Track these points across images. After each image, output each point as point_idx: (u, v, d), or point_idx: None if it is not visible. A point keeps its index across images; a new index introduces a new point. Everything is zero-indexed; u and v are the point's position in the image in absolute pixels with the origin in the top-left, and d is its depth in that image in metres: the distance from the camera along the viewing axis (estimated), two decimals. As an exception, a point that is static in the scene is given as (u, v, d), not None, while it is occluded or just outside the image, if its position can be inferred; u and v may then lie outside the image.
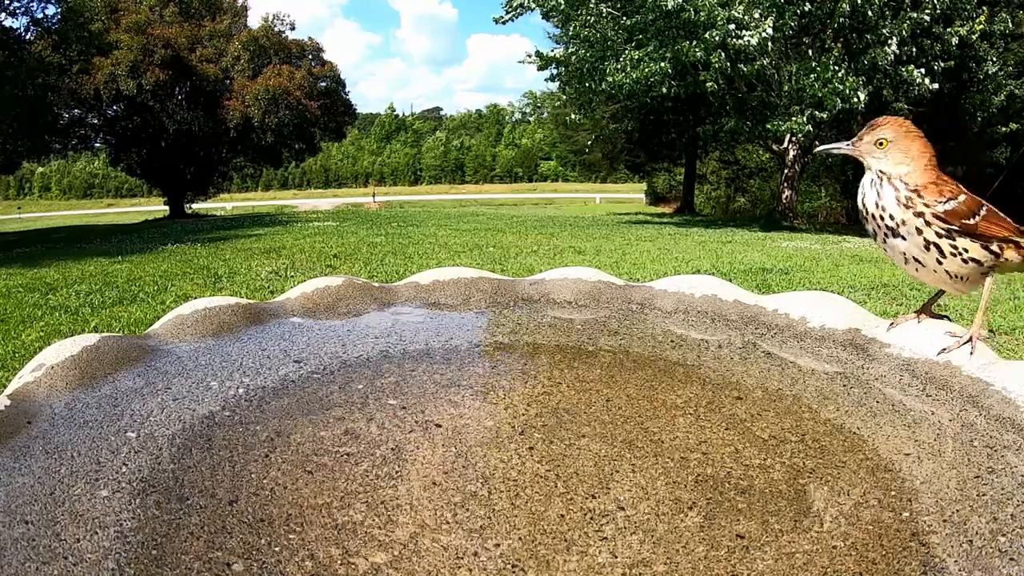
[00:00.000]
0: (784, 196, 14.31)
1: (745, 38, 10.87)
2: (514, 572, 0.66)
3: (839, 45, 11.60)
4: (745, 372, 1.15)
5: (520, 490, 0.79)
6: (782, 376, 1.13)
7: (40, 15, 15.99)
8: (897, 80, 11.65)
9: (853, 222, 17.19)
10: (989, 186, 14.79)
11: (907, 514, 0.75)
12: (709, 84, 11.67)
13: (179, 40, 20.78)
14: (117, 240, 11.49)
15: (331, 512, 0.74)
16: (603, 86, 12.62)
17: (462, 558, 0.67)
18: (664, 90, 12.15)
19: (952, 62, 11.99)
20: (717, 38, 11.04)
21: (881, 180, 1.20)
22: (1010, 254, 1.22)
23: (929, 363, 1.08)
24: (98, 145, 24.62)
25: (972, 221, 1.18)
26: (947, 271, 1.20)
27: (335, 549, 0.68)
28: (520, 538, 0.71)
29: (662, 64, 11.61)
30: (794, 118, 11.29)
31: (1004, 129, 13.36)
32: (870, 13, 11.33)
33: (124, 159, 23.71)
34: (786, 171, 14.20)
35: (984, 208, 1.20)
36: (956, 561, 0.67)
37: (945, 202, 1.17)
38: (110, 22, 20.14)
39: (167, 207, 24.40)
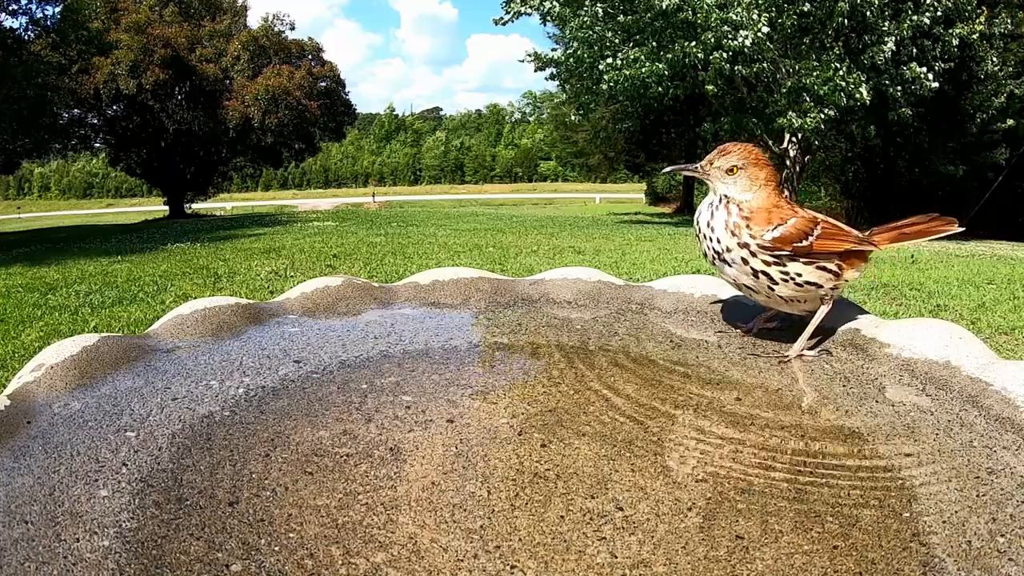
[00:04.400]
0: (784, 196, 14.29)
1: (740, 39, 10.89)
2: (513, 572, 0.66)
3: (840, 44, 11.61)
4: (745, 372, 1.15)
5: (520, 490, 0.79)
6: (782, 376, 1.13)
7: (40, 15, 15.99)
8: (899, 79, 11.66)
9: (853, 222, 17.19)
10: (989, 187, 14.80)
11: (907, 514, 0.75)
12: (709, 87, 11.69)
13: (179, 40, 20.79)
14: (117, 240, 11.49)
15: (331, 512, 0.74)
16: (602, 86, 12.64)
17: (462, 559, 0.67)
18: (660, 90, 12.17)
19: (952, 63, 12.00)
20: (713, 40, 11.06)
21: (720, 204, 1.20)
22: (850, 274, 1.23)
23: (929, 363, 1.08)
24: (98, 145, 24.63)
25: (806, 243, 1.17)
26: (780, 296, 1.20)
27: (335, 549, 0.68)
28: (520, 538, 0.71)
29: (659, 65, 11.62)
30: (809, 115, 11.29)
31: (1003, 125, 13.35)
32: (869, 14, 11.34)
33: (124, 159, 23.74)
34: (786, 171, 14.21)
35: (819, 227, 1.20)
36: (956, 561, 0.67)
37: (773, 229, 1.17)
38: (110, 22, 20.15)
39: (167, 207, 24.42)
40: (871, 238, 1.25)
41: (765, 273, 1.18)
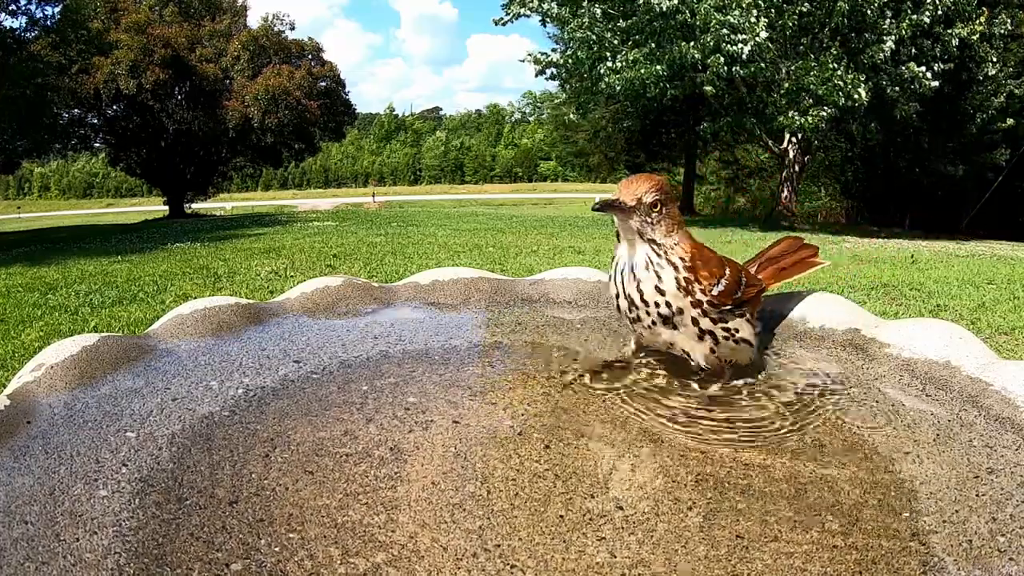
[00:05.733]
0: (784, 196, 14.34)
1: (739, 45, 10.92)
2: (513, 572, 0.66)
3: (837, 43, 11.64)
4: (744, 372, 1.15)
5: (519, 490, 0.79)
6: (781, 376, 1.13)
7: (39, 15, 15.99)
8: (899, 78, 11.67)
9: (852, 222, 17.22)
10: (989, 187, 14.81)
11: (907, 514, 0.75)
12: (708, 88, 11.72)
13: (179, 40, 20.78)
14: (117, 240, 11.49)
15: (330, 512, 0.74)
16: (601, 86, 12.68)
17: (462, 558, 0.67)
18: (657, 92, 12.20)
19: (951, 64, 12.02)
20: (712, 43, 11.07)
21: (658, 258, 1.04)
22: (757, 323, 1.14)
23: (929, 363, 1.08)
24: (98, 145, 24.62)
25: (740, 293, 1.08)
26: (718, 358, 1.08)
27: (335, 549, 0.68)
28: (519, 538, 0.71)
29: (657, 67, 11.65)
30: (809, 113, 11.30)
31: (1003, 125, 13.36)
32: (869, 13, 11.35)
33: (124, 159, 23.74)
34: (785, 171, 14.22)
35: (743, 272, 1.12)
36: (956, 561, 0.67)
37: (717, 283, 1.05)
38: (110, 22, 20.14)
39: (167, 207, 24.41)
40: (757, 276, 1.21)
41: (711, 333, 1.06)
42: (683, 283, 1.03)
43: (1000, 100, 13.18)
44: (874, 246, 9.59)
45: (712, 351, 1.07)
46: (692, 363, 1.09)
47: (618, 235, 1.08)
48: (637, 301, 1.06)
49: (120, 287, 5.92)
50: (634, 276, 1.06)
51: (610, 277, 1.11)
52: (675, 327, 1.05)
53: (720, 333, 1.07)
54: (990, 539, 0.70)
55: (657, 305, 1.04)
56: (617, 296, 1.09)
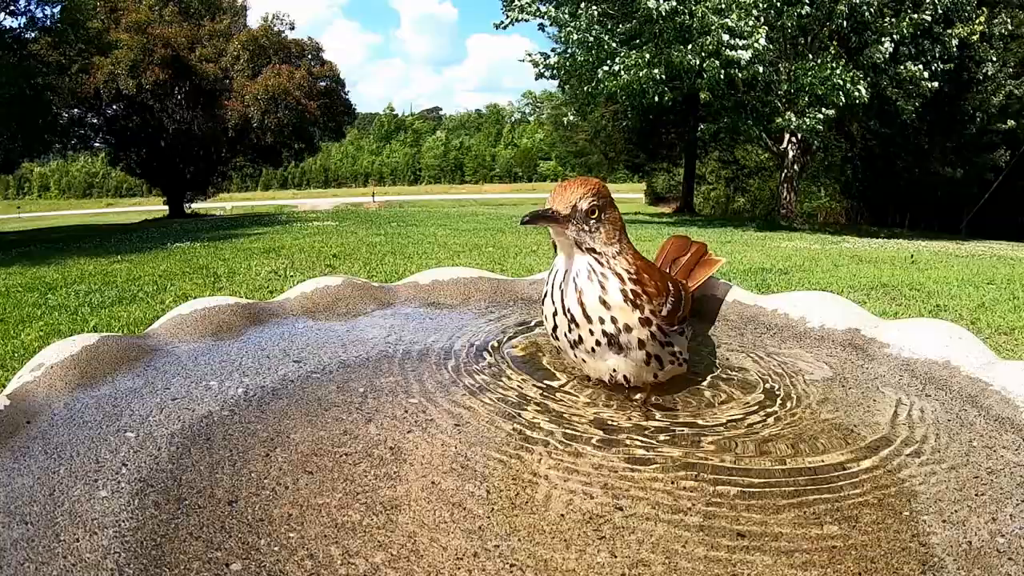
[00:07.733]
0: (783, 196, 14.35)
1: (739, 52, 10.96)
2: (513, 572, 0.66)
3: (835, 43, 11.68)
4: (744, 372, 1.15)
5: (519, 490, 0.79)
6: (781, 376, 1.13)
7: (40, 15, 16.01)
8: (898, 78, 11.71)
9: (852, 222, 17.22)
10: (988, 187, 14.83)
11: (907, 514, 0.75)
12: (704, 95, 11.78)
13: (179, 40, 20.81)
14: (116, 240, 11.50)
15: (330, 512, 0.74)
16: (600, 87, 12.73)
17: (462, 558, 0.67)
18: (655, 98, 12.26)
19: (951, 64, 12.05)
20: (711, 47, 11.11)
21: (600, 267, 0.95)
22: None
23: (929, 363, 1.08)
24: (97, 144, 24.65)
25: (682, 311, 1.03)
26: (661, 382, 1.02)
27: (334, 549, 0.68)
28: (519, 538, 0.71)
29: (655, 71, 11.69)
30: (808, 114, 11.34)
31: (1002, 126, 13.39)
32: (868, 14, 11.39)
33: (123, 159, 23.77)
34: (785, 171, 14.24)
35: (681, 285, 1.07)
36: (955, 561, 0.67)
37: (665, 301, 0.97)
38: (110, 22, 20.16)
39: (167, 207, 24.44)
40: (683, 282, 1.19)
41: (658, 357, 0.98)
42: (630, 295, 0.94)
43: (999, 100, 13.21)
44: (874, 246, 9.60)
45: (655, 377, 1.00)
46: (626, 385, 1.03)
47: (555, 246, 0.99)
48: (579, 317, 0.96)
49: (120, 287, 5.92)
50: (575, 287, 0.95)
51: (544, 294, 1.01)
52: (621, 349, 0.96)
53: (667, 357, 1.00)
54: (990, 539, 0.70)
55: (602, 321, 0.95)
56: (555, 314, 0.99)
